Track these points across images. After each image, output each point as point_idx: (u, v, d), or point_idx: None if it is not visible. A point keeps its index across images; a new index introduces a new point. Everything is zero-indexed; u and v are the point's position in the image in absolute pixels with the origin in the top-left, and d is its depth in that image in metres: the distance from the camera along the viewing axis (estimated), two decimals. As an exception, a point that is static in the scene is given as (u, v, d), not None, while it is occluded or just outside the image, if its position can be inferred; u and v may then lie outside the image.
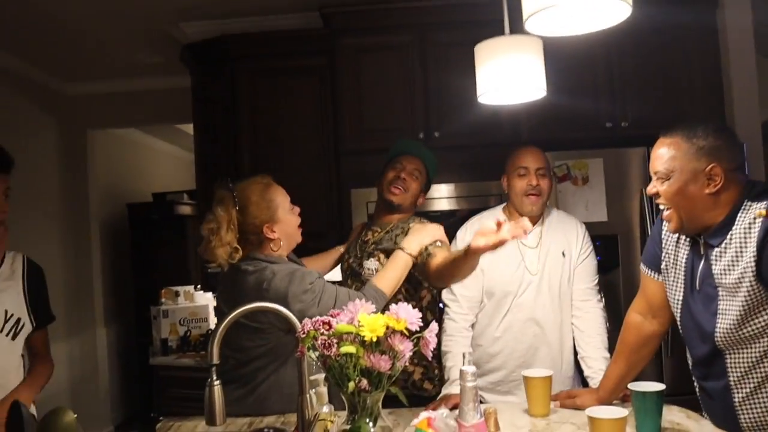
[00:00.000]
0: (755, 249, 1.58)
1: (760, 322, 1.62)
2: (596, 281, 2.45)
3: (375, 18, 3.50)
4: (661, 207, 1.77)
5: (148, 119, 5.41)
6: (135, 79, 4.98)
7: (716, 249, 1.67)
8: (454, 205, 3.37)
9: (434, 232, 2.21)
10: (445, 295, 2.42)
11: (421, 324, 1.41)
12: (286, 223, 2.15)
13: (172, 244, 5.76)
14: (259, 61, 3.66)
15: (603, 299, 2.44)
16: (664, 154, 1.71)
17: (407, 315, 1.39)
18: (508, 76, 1.64)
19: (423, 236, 2.19)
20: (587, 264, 2.43)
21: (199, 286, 4.35)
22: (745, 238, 1.61)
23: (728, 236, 1.65)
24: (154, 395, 4.20)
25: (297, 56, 3.65)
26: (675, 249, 1.84)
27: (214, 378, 1.58)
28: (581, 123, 3.38)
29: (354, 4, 3.47)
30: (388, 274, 2.16)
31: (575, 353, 2.41)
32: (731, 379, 1.70)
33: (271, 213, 2.12)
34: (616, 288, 3.20)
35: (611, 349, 2.16)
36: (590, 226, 3.13)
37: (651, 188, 1.77)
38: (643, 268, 2.00)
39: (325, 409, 1.60)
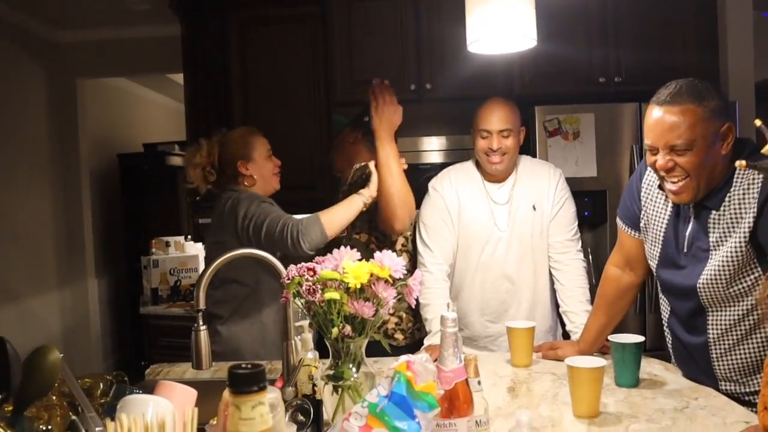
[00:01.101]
0: (754, 213, 1.56)
1: (746, 281, 1.62)
2: (574, 231, 2.39)
3: (368, -34, 3.45)
4: (673, 180, 1.64)
5: (138, 68, 5.34)
6: (125, 27, 4.90)
7: (714, 212, 1.63)
8: (445, 157, 3.36)
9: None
10: (420, 247, 2.40)
11: (405, 272, 1.43)
12: (260, 165, 2.42)
13: (162, 195, 5.75)
14: (251, 8, 3.61)
15: (582, 250, 2.41)
16: (680, 124, 1.56)
17: (391, 263, 1.40)
18: (497, 24, 1.62)
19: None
20: (562, 215, 2.38)
21: (189, 237, 4.37)
22: (743, 199, 1.58)
23: (726, 199, 1.61)
24: (144, 344, 4.26)
25: (289, 4, 3.60)
26: (657, 210, 1.81)
27: (201, 323, 1.60)
28: (574, 77, 3.35)
29: (347, -48, 3.41)
30: (336, 212, 2.22)
31: (557, 306, 2.42)
32: (711, 335, 1.71)
33: (246, 152, 2.41)
34: (603, 243, 3.23)
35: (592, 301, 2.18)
36: (580, 182, 3.16)
37: (665, 163, 1.61)
38: (619, 222, 1.98)
39: (310, 355, 1.63)
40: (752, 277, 1.62)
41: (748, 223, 1.58)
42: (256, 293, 2.32)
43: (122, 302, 5.72)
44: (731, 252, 1.61)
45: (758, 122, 1.10)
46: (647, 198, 1.84)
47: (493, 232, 2.36)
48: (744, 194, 1.59)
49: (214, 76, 3.67)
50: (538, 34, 1.77)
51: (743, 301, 1.65)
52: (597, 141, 3.19)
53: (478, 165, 2.43)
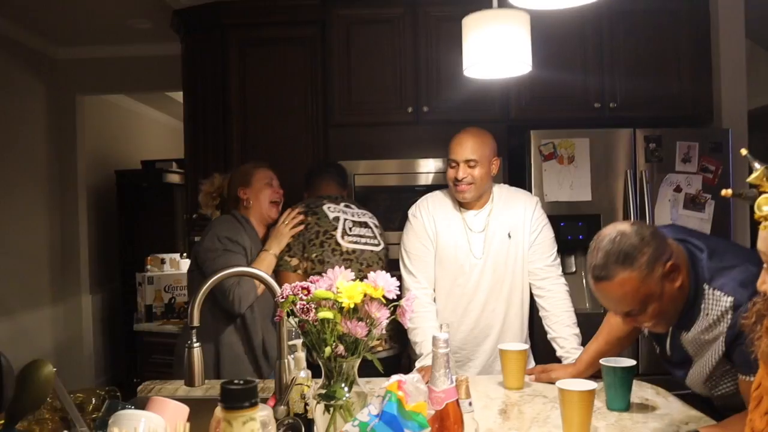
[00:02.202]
0: (723, 348, 1.55)
1: (727, 383, 1.63)
2: (554, 257, 2.42)
3: (368, -10, 3.50)
4: (645, 326, 1.68)
5: (138, 86, 5.37)
6: (125, 44, 4.93)
7: (685, 333, 1.63)
8: (441, 180, 3.38)
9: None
10: (404, 273, 2.43)
11: (399, 293, 1.44)
12: (256, 190, 2.64)
13: (159, 212, 5.76)
14: (251, 29, 3.64)
15: (562, 275, 2.42)
16: (624, 295, 1.54)
17: (385, 283, 1.41)
18: (493, 49, 1.64)
19: (279, 238, 2.57)
20: (541, 241, 2.41)
21: (185, 254, 4.37)
22: (713, 329, 1.56)
23: (695, 324, 1.60)
24: (138, 361, 4.24)
25: (289, 26, 3.63)
26: None
27: (194, 340, 1.60)
28: (570, 102, 3.39)
29: (348, -24, 3.46)
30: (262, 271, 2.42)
31: (530, 334, 2.47)
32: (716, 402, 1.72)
33: (246, 179, 2.66)
34: (597, 267, 3.24)
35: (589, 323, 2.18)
36: (575, 205, 3.19)
37: (632, 321, 1.63)
38: None
39: (303, 374, 1.63)
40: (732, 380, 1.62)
41: (721, 350, 1.56)
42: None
43: (116, 319, 5.70)
44: (709, 364, 1.61)
45: (744, 152, 1.12)
46: None
47: (468, 259, 2.39)
48: (714, 325, 1.56)
49: (213, 94, 3.70)
50: (534, 59, 1.80)
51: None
52: (592, 165, 3.22)
53: (449, 192, 2.48)
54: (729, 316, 1.52)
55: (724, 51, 3.45)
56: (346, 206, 2.71)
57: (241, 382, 0.79)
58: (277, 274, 2.54)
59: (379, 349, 2.54)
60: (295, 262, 2.57)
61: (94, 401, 1.23)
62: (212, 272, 2.38)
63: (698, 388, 1.71)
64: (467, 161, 2.34)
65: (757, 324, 1.17)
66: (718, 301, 1.55)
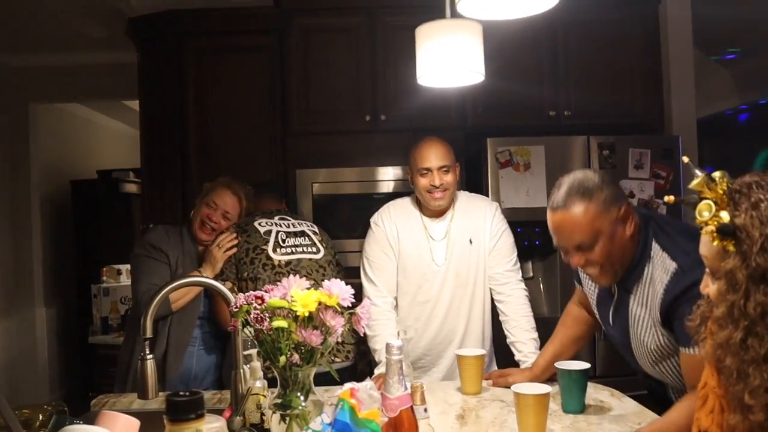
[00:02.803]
0: (662, 303, 1.60)
1: (673, 363, 1.67)
2: (514, 262, 2.44)
3: (326, -1, 3.51)
4: (589, 272, 1.72)
5: (93, 94, 5.29)
6: (80, 52, 4.85)
7: (630, 296, 1.69)
8: (400, 188, 3.40)
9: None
10: (364, 281, 2.44)
11: (353, 301, 1.44)
12: (197, 206, 2.66)
13: (117, 223, 5.65)
14: (207, 38, 3.61)
15: (522, 280, 2.44)
16: (578, 224, 1.61)
17: (340, 291, 1.41)
18: (445, 58, 1.66)
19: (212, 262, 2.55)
20: (500, 246, 2.43)
21: (142, 265, 4.29)
22: (656, 292, 1.62)
23: (640, 282, 1.66)
24: (93, 374, 4.15)
25: (246, 35, 3.61)
26: (589, 283, 1.88)
27: (147, 352, 1.58)
28: (525, 111, 3.45)
29: (305, -16, 3.46)
30: (183, 291, 2.46)
31: (492, 339, 2.49)
32: (669, 382, 1.76)
33: (203, 193, 2.69)
34: (554, 271, 3.29)
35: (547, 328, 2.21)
36: (531, 212, 3.23)
37: (577, 260, 1.67)
38: (576, 282, 2.04)
39: (258, 383, 1.62)
40: (676, 360, 1.67)
41: (656, 316, 1.62)
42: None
43: (72, 332, 5.57)
44: (649, 330, 1.67)
45: (686, 159, 1.16)
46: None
47: (431, 266, 2.40)
48: (656, 285, 1.61)
49: (170, 103, 3.65)
50: (490, 68, 1.82)
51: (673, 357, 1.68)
52: (547, 172, 3.28)
53: (416, 201, 2.49)
54: (667, 279, 1.58)
55: (674, 60, 3.55)
56: (281, 218, 2.69)
57: (187, 393, 0.78)
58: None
59: (338, 360, 2.53)
60: (228, 285, 2.51)
61: (41, 417, 1.20)
62: (138, 276, 2.53)
63: (649, 369, 1.74)
64: (441, 167, 2.34)
65: (701, 326, 1.20)
66: (663, 263, 1.61)
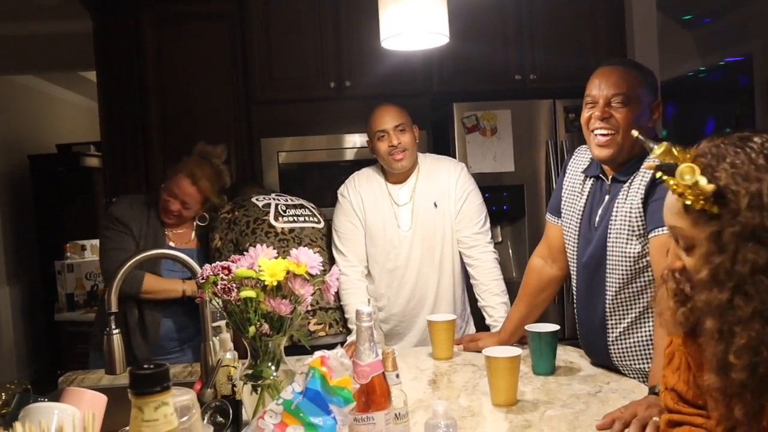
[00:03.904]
0: (647, 184, 1.66)
1: (643, 260, 1.70)
2: (481, 224, 2.43)
3: (287, -37, 3.42)
4: (601, 133, 1.72)
5: (48, 65, 5.12)
6: (33, 21, 4.67)
7: (623, 186, 1.72)
8: (367, 154, 3.36)
9: None
10: (335, 253, 2.45)
11: (322, 268, 1.42)
12: (162, 190, 2.52)
13: (79, 198, 5.55)
14: (165, 4, 3.51)
15: (492, 242, 2.45)
16: (625, 78, 1.70)
17: (308, 259, 1.39)
18: (409, 20, 1.63)
19: None
20: (467, 209, 2.41)
21: (106, 240, 4.22)
22: (643, 177, 1.68)
23: (634, 174, 1.71)
24: (61, 352, 4.09)
25: (206, 1, 3.52)
26: (578, 191, 1.89)
27: (113, 327, 1.55)
28: (491, 75, 3.42)
29: (263, -53, 3.37)
30: (159, 285, 2.44)
31: (464, 303, 2.50)
32: (607, 310, 1.79)
33: (168, 174, 2.54)
34: (522, 236, 3.31)
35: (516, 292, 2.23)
36: (498, 177, 3.23)
37: (602, 112, 1.71)
38: (547, 216, 2.06)
39: (229, 355, 1.60)
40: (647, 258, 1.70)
41: (641, 196, 1.67)
42: None
43: (36, 309, 5.48)
44: (628, 221, 1.70)
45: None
46: (571, 179, 1.93)
47: (397, 232, 2.40)
48: (645, 173, 1.68)
49: (129, 73, 3.56)
50: (454, 32, 1.79)
51: (639, 279, 1.72)
52: (514, 137, 3.28)
53: (381, 169, 2.48)
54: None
55: (637, 23, 3.55)
56: (278, 195, 2.64)
57: (151, 366, 0.76)
58: None
59: (322, 334, 2.49)
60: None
61: (3, 396, 1.17)
62: (103, 251, 2.48)
63: (612, 297, 1.78)
64: (396, 127, 2.34)
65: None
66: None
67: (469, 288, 2.51)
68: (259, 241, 2.41)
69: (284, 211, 2.54)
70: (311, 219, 2.55)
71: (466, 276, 2.48)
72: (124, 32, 3.55)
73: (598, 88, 1.73)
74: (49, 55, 4.86)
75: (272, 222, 2.48)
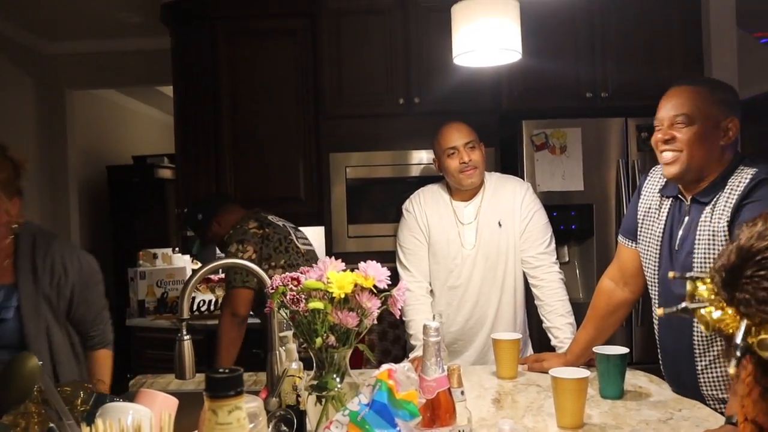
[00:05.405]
0: (733, 204, 1.62)
1: None
2: (546, 244, 2.40)
3: (358, -19, 3.48)
4: (667, 153, 1.73)
5: (128, 80, 5.34)
6: (115, 39, 4.90)
7: (707, 207, 1.69)
8: (433, 171, 3.37)
9: None
10: (399, 269, 2.46)
11: (389, 283, 1.43)
12: None
13: (151, 208, 5.73)
14: (240, 22, 3.62)
15: (557, 262, 2.42)
16: (689, 99, 1.70)
17: (376, 273, 1.40)
18: (482, 37, 1.63)
19: None
20: (532, 228, 2.40)
21: (177, 249, 4.35)
22: (729, 197, 1.64)
23: (718, 195, 1.68)
24: (131, 357, 4.22)
25: (278, 18, 3.61)
26: (656, 211, 1.85)
27: (184, 333, 1.59)
28: (561, 92, 3.37)
29: (337, -33, 3.43)
30: None
31: (526, 323, 2.49)
32: (695, 338, 1.72)
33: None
34: (590, 256, 3.24)
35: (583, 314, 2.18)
36: (567, 195, 3.18)
37: (664, 134, 1.72)
38: (619, 238, 2.02)
39: (294, 365, 1.62)
40: None
41: (727, 217, 1.63)
42: None
43: (110, 315, 5.66)
44: (713, 244, 1.65)
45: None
46: (647, 199, 1.90)
47: (461, 251, 2.40)
48: (731, 192, 1.64)
49: (203, 88, 3.68)
50: (525, 48, 1.79)
51: None
52: (584, 155, 3.22)
53: (446, 186, 2.49)
54: (745, 183, 1.62)
55: (715, 39, 3.43)
56: (272, 216, 2.87)
57: (226, 370, 0.78)
58: (237, 293, 2.62)
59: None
60: (271, 273, 2.60)
61: (82, 395, 1.22)
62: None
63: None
64: (466, 144, 2.36)
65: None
66: (743, 174, 1.65)
67: (529, 312, 2.48)
68: (293, 259, 2.66)
69: (296, 233, 2.80)
70: (309, 242, 2.88)
71: (528, 299, 2.45)
72: (199, 48, 3.68)
73: (664, 110, 1.74)
74: (129, 71, 5.07)
75: (297, 243, 2.74)
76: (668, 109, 1.73)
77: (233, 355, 2.63)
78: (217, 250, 4.46)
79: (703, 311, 0.75)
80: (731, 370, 0.72)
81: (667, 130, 1.72)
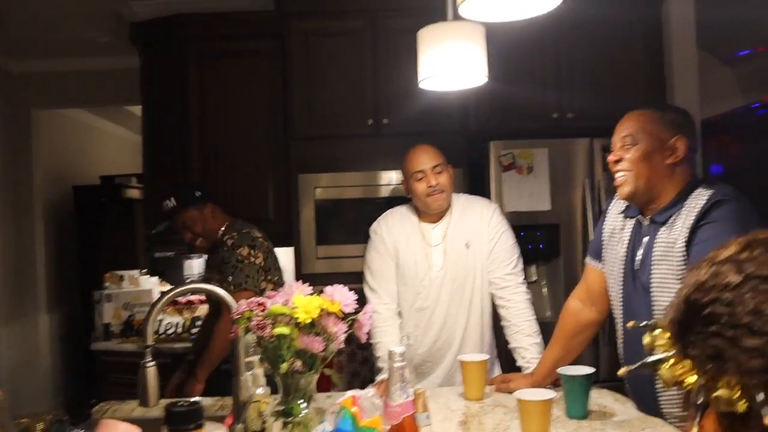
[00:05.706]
0: (690, 225, 1.65)
1: None
2: (513, 264, 2.40)
3: (327, 2, 3.50)
4: (618, 175, 1.80)
5: (95, 99, 5.28)
6: (83, 58, 4.85)
7: (663, 227, 1.72)
8: (402, 192, 3.38)
9: None
10: (366, 291, 2.44)
11: (356, 306, 1.43)
12: None
13: (119, 228, 5.66)
14: (209, 42, 3.61)
15: (525, 283, 2.41)
16: (636, 121, 1.77)
17: (342, 297, 1.41)
18: (447, 61, 1.65)
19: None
20: (499, 249, 2.39)
21: (144, 270, 4.29)
22: (686, 219, 1.68)
23: (674, 216, 1.71)
24: (96, 381, 4.14)
25: (247, 39, 3.61)
26: (617, 235, 1.89)
27: (149, 359, 1.57)
28: (528, 113, 3.42)
29: (306, -12, 3.45)
30: None
31: (494, 344, 2.50)
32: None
33: None
34: (557, 275, 3.27)
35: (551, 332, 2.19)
36: (534, 215, 3.21)
37: (613, 156, 1.80)
38: (587, 259, 2.06)
39: (260, 390, 1.61)
40: None
41: (684, 237, 1.67)
42: None
43: (74, 338, 5.56)
44: (671, 265, 1.69)
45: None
46: (611, 221, 1.95)
47: (428, 273, 2.40)
48: (688, 215, 1.68)
49: (173, 108, 3.65)
50: (493, 70, 1.81)
51: None
52: (550, 175, 3.26)
53: (414, 208, 2.48)
54: (701, 204, 1.66)
55: (677, 61, 3.52)
56: None
57: (186, 403, 0.78)
58: (247, 295, 2.60)
59: None
60: (265, 285, 2.66)
61: (41, 426, 1.19)
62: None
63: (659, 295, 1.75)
64: (433, 168, 2.35)
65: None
66: (699, 196, 1.69)
67: (497, 334, 2.49)
68: (280, 278, 2.73)
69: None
70: None
71: (496, 319, 2.46)
72: (168, 68, 3.66)
73: (616, 134, 1.82)
74: (97, 90, 5.02)
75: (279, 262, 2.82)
76: (618, 132, 1.81)
77: (225, 354, 2.56)
78: (186, 267, 4.42)
79: (661, 367, 0.74)
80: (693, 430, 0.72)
81: (617, 151, 1.80)
